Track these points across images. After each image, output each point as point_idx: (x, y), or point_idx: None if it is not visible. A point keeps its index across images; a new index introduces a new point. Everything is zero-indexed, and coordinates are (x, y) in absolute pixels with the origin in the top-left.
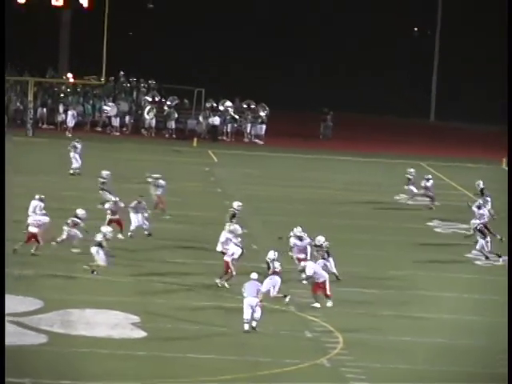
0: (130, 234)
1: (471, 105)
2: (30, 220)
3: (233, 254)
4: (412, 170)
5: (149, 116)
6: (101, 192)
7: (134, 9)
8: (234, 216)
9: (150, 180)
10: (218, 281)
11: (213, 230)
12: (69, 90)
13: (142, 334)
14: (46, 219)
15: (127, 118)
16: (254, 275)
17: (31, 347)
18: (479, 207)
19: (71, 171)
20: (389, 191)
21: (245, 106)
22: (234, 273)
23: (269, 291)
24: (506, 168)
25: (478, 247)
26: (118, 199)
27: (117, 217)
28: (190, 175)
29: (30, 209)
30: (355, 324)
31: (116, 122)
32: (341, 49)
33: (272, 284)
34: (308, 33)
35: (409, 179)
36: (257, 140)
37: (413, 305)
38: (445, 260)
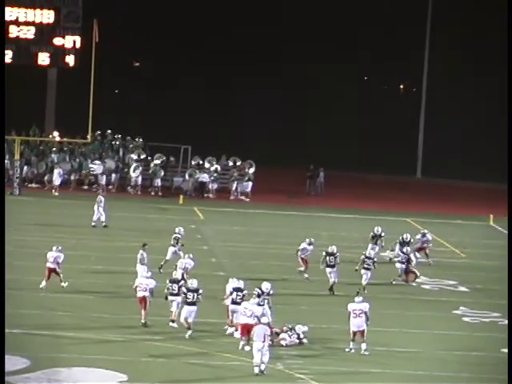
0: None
1: (457, 162)
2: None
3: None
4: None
5: (135, 174)
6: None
7: (120, 67)
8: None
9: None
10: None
11: (200, 286)
12: (55, 148)
13: None
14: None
15: (113, 176)
16: (265, 319)
17: None
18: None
19: (93, 223)
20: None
21: (231, 163)
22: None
23: None
24: (494, 224)
25: None
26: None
27: None
28: None
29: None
30: (343, 381)
31: (102, 180)
32: (327, 108)
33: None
34: (295, 93)
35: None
36: (243, 197)
37: (400, 361)
38: (432, 316)
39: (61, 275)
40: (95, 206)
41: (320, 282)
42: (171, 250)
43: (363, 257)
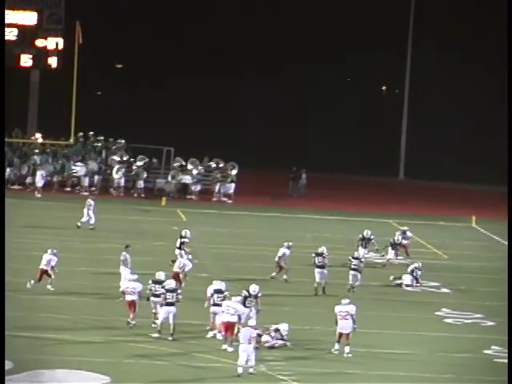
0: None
1: (440, 163)
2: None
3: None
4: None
5: (117, 175)
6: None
7: (103, 68)
8: (246, 298)
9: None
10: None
11: (182, 288)
12: (37, 150)
13: None
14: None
15: (96, 178)
16: (252, 322)
17: None
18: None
19: (78, 224)
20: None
21: (213, 164)
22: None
23: None
24: (476, 226)
25: None
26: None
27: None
28: (159, 234)
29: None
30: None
31: (85, 181)
32: (309, 107)
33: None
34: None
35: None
36: (225, 199)
37: (382, 362)
38: (414, 318)
39: (52, 277)
40: (85, 209)
41: (303, 283)
42: (177, 252)
43: (350, 257)
